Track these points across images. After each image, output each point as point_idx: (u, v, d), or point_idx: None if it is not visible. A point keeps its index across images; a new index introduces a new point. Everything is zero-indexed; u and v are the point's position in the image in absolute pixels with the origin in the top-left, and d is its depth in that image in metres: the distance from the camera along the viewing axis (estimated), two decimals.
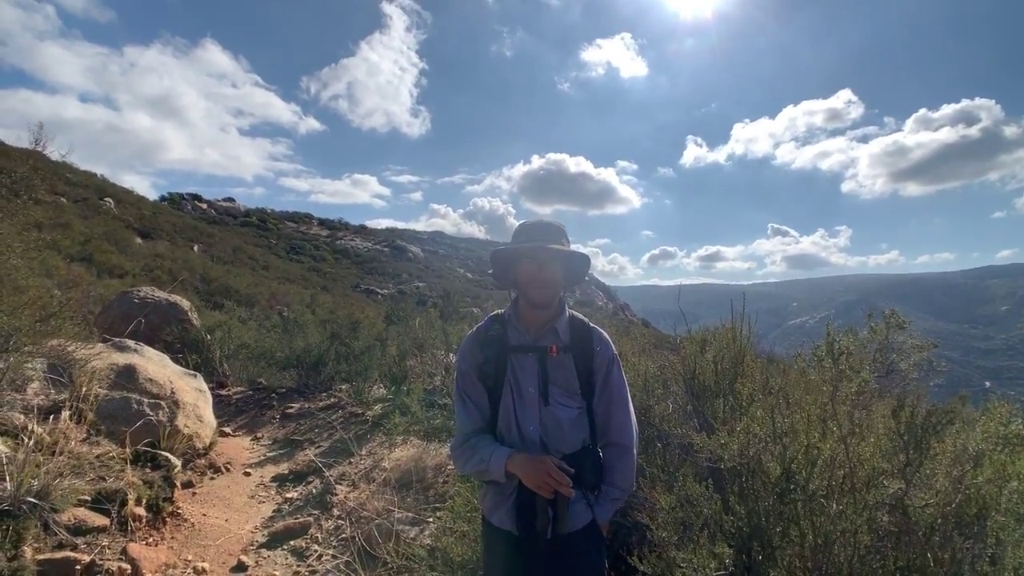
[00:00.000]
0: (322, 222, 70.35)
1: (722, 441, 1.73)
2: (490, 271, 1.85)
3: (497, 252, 1.78)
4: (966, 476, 1.73)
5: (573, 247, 1.74)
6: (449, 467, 4.19)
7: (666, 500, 1.66)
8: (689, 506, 1.67)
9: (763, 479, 1.71)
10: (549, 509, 1.56)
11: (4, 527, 2.55)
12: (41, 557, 2.59)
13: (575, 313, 1.79)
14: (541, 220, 1.75)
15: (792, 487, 1.62)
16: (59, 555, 2.66)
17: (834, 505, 1.63)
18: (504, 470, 1.59)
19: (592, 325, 1.78)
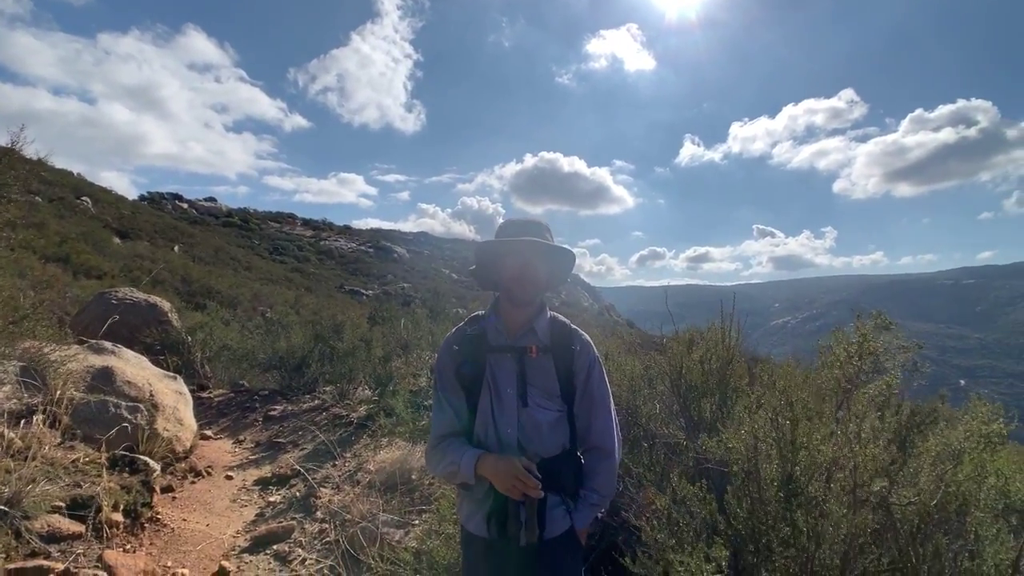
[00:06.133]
0: (306, 222, 69.70)
1: (729, 445, 1.72)
2: (472, 267, 1.79)
3: (482, 246, 1.75)
4: (947, 474, 1.75)
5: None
6: None
7: (661, 501, 1.65)
8: (682, 507, 1.66)
9: (762, 482, 1.70)
10: (522, 513, 1.53)
11: None
12: (12, 566, 2.51)
13: (557, 315, 1.77)
14: (525, 218, 1.72)
15: (796, 491, 1.61)
16: (31, 563, 2.58)
17: (832, 506, 1.63)
18: (473, 472, 1.56)
19: (573, 327, 1.75)
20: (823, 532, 1.72)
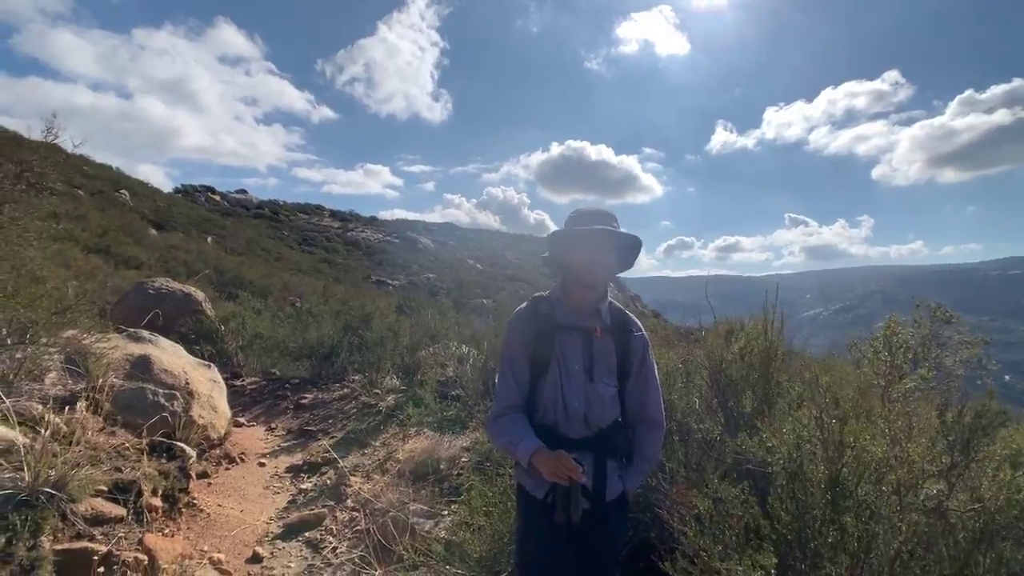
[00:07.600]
0: (333, 213, 70.60)
1: (769, 444, 1.66)
2: (546, 253, 1.95)
3: (556, 234, 1.87)
4: (1007, 479, 1.64)
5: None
6: (463, 459, 4.16)
7: (703, 504, 1.60)
8: (723, 509, 1.60)
9: (808, 483, 1.64)
10: (571, 497, 1.66)
11: (22, 517, 2.54)
12: (59, 547, 2.59)
13: (613, 301, 1.91)
14: (595, 207, 1.85)
15: (843, 494, 1.54)
16: (77, 545, 2.66)
17: (882, 509, 1.55)
18: (528, 460, 1.71)
19: (628, 312, 1.90)
20: (874, 536, 1.63)
